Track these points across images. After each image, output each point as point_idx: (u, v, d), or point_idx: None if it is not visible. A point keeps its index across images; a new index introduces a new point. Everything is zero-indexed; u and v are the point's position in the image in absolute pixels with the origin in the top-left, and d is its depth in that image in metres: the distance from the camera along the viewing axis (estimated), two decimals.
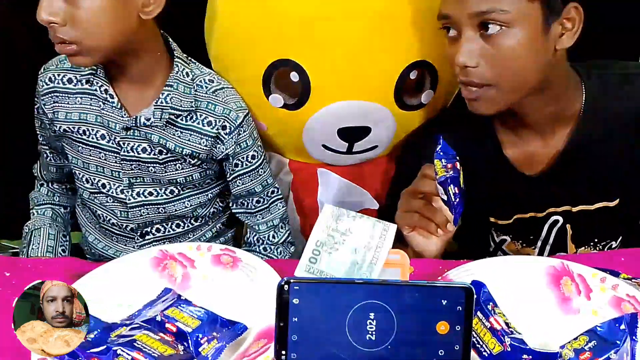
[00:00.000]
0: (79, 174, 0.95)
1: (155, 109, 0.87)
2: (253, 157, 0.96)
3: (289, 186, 1.12)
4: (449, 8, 0.77)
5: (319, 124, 0.98)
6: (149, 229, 0.99)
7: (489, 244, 0.95)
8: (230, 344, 0.62)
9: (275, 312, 0.52)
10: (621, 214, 0.89)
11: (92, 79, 0.88)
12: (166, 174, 0.93)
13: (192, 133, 0.90)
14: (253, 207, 1.00)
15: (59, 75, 0.90)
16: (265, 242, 1.01)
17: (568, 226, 0.89)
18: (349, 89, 0.95)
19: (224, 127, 0.91)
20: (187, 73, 0.89)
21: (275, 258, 1.01)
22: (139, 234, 0.98)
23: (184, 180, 0.94)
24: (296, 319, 0.52)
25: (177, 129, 0.90)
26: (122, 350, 0.56)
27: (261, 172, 0.98)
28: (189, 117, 0.90)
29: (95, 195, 0.96)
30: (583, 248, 0.91)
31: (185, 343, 0.60)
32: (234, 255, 0.71)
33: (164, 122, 0.88)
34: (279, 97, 0.97)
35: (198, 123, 0.90)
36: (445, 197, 0.72)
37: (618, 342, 0.54)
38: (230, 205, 1.02)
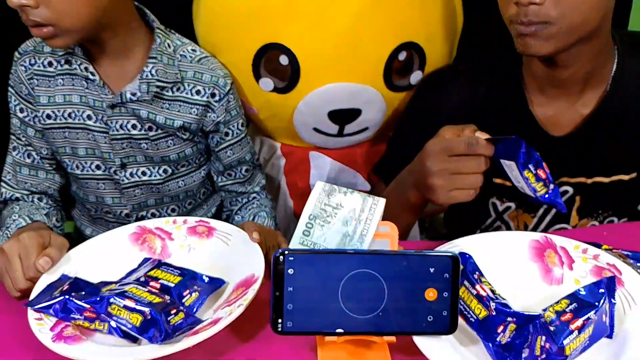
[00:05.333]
0: (69, 161, 0.93)
1: (140, 82, 0.87)
2: (242, 124, 0.97)
3: (281, 170, 1.14)
4: None
5: (309, 107, 1.00)
6: (144, 213, 0.99)
7: (488, 214, 0.94)
8: (210, 296, 0.66)
9: (271, 282, 0.54)
10: (634, 190, 0.89)
11: (70, 59, 0.86)
12: (158, 151, 0.93)
13: (181, 104, 0.90)
14: (242, 176, 1.01)
15: (39, 58, 0.88)
16: (258, 198, 1.03)
17: (577, 198, 0.90)
18: (339, 71, 0.97)
19: (213, 95, 0.91)
20: (168, 44, 0.89)
21: (269, 202, 1.03)
22: (134, 218, 0.99)
23: (177, 157, 0.94)
24: (291, 289, 0.54)
25: (164, 101, 0.89)
26: (114, 298, 0.59)
27: (248, 139, 1.00)
28: (175, 89, 0.89)
29: (87, 181, 0.95)
30: (586, 220, 0.92)
31: (168, 296, 0.63)
32: (209, 225, 0.74)
33: (152, 97, 0.88)
34: (269, 80, 0.99)
35: (187, 93, 0.90)
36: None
37: (597, 303, 0.56)
38: (216, 179, 1.02)
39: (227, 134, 0.95)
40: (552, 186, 0.69)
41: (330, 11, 0.92)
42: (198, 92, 0.90)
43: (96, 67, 0.87)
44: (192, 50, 0.92)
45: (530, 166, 0.68)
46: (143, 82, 0.87)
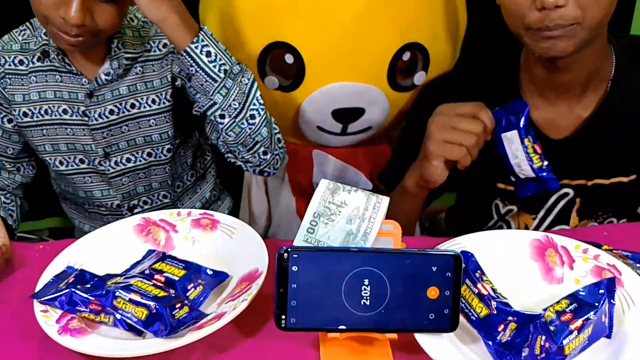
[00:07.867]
0: (51, 159, 0.94)
1: (110, 61, 0.87)
2: None
3: (284, 168, 1.15)
4: None
5: (313, 105, 1.01)
6: (135, 202, 0.99)
7: (490, 216, 0.96)
8: (214, 290, 0.66)
9: (275, 279, 0.54)
10: (633, 192, 0.90)
11: (47, 49, 0.86)
12: (140, 130, 0.92)
13: (153, 63, 0.90)
14: None
15: (9, 57, 0.89)
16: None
17: (578, 199, 0.90)
18: (343, 70, 0.97)
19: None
20: (131, 18, 0.90)
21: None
22: (126, 208, 0.99)
23: (159, 138, 0.94)
24: (295, 285, 0.54)
25: (136, 65, 0.89)
26: (120, 292, 0.60)
27: None
28: (145, 51, 0.89)
29: (73, 176, 0.95)
30: (586, 221, 0.93)
31: (173, 289, 0.64)
32: (213, 218, 0.75)
33: (123, 70, 0.88)
34: (274, 79, 0.99)
35: (154, 51, 0.89)
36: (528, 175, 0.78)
37: (597, 304, 0.57)
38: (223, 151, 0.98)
39: None
40: (545, 162, 0.75)
41: (336, 10, 0.93)
42: (165, 45, 0.90)
43: (69, 58, 0.88)
44: None
45: (530, 137, 0.73)
46: (113, 59, 0.87)
